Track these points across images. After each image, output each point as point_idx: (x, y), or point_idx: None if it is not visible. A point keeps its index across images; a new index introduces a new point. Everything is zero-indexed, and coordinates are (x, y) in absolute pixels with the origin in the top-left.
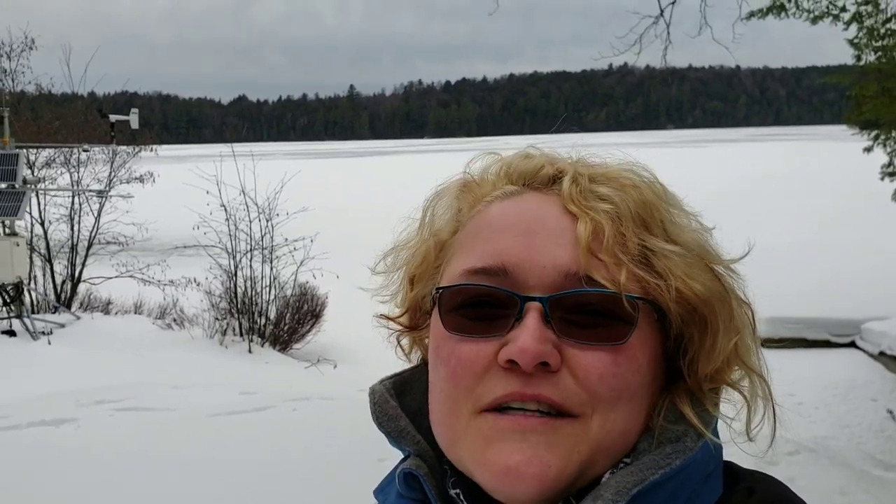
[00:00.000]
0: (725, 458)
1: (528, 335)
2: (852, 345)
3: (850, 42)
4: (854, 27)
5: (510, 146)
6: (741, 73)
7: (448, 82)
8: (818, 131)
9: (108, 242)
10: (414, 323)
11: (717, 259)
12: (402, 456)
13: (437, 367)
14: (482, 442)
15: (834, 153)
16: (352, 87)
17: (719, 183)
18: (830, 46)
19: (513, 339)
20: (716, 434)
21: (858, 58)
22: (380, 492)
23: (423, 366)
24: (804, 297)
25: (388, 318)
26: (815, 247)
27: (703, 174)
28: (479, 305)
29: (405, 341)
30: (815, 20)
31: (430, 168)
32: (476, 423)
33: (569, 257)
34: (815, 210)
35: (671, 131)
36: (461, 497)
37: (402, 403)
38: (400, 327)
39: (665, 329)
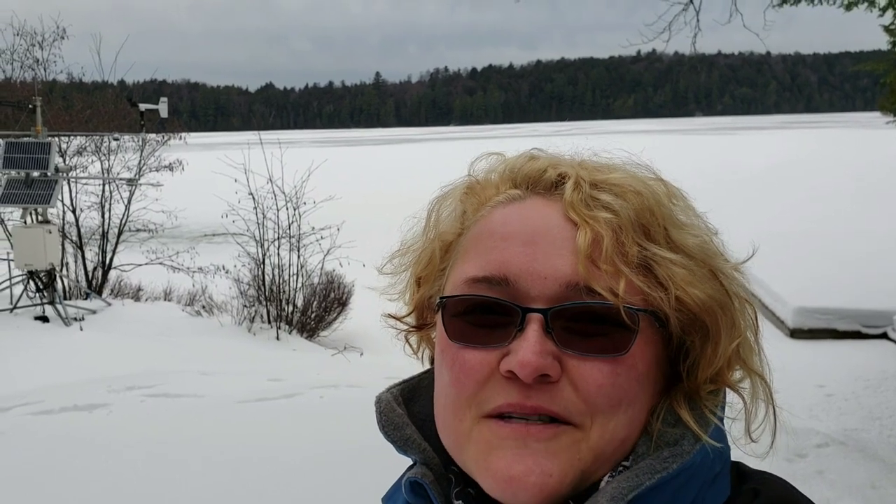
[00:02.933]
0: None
1: (529, 349)
2: (884, 336)
3: (886, 28)
4: (890, 13)
5: (537, 133)
6: (771, 59)
7: (474, 69)
8: (851, 118)
9: (138, 230)
10: (421, 322)
11: (721, 262)
12: (410, 463)
13: (442, 373)
14: (484, 449)
15: (867, 141)
16: (378, 74)
17: (748, 170)
18: (864, 31)
19: (514, 350)
20: (719, 436)
21: (894, 44)
22: (388, 499)
23: (431, 372)
24: (834, 287)
25: (395, 317)
26: (846, 236)
27: (732, 161)
28: (482, 313)
29: (413, 339)
30: (849, 7)
31: (456, 156)
32: (479, 429)
33: (569, 267)
34: (847, 198)
35: (699, 118)
36: None
37: (410, 410)
38: (407, 326)
39: (666, 336)
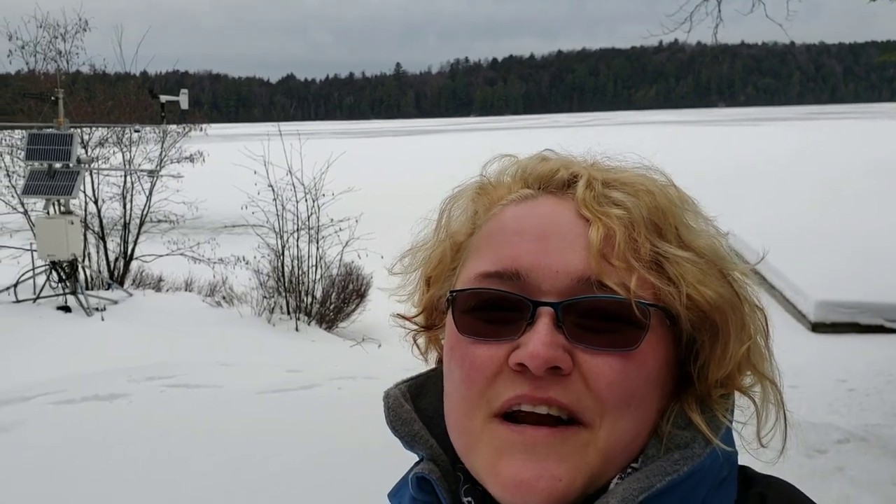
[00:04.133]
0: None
1: (539, 340)
2: None
3: None
4: None
5: (558, 124)
6: (795, 49)
7: (495, 59)
8: (876, 109)
9: (160, 221)
10: (430, 322)
11: (731, 265)
12: (416, 459)
13: (452, 370)
14: (494, 454)
15: (891, 132)
16: (398, 65)
17: (768, 161)
18: (891, 21)
19: (524, 343)
20: (728, 440)
21: None
22: (394, 495)
23: (439, 369)
24: (857, 280)
25: (404, 317)
26: (867, 228)
27: (752, 152)
28: (492, 308)
29: (421, 340)
30: None
31: (476, 147)
32: (489, 431)
33: (581, 262)
34: (869, 191)
35: (722, 109)
36: None
37: (418, 406)
38: (416, 327)
39: (677, 335)
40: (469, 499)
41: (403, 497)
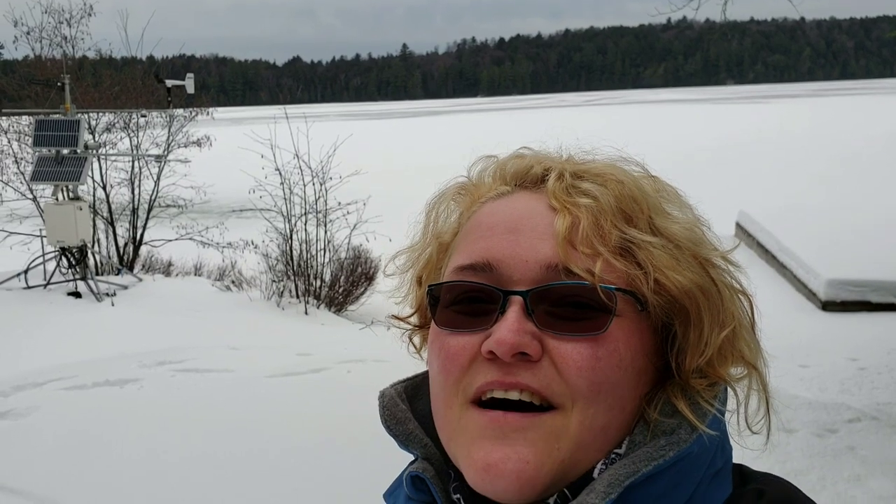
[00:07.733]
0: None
1: (507, 328)
2: None
3: None
4: None
5: (565, 103)
6: (805, 25)
7: (502, 39)
8: (888, 84)
9: (168, 205)
10: (424, 321)
11: (708, 251)
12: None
13: (432, 362)
14: (469, 440)
15: None
16: (405, 46)
17: (778, 139)
18: None
19: (494, 331)
20: (717, 426)
21: None
22: (389, 495)
23: None
24: (867, 258)
25: (398, 318)
26: (880, 206)
27: (761, 129)
28: (468, 301)
29: (416, 339)
30: None
31: (483, 128)
32: (465, 419)
33: (550, 251)
34: (880, 168)
35: (731, 87)
36: (462, 502)
37: (413, 407)
38: (411, 326)
39: (653, 324)
40: (458, 496)
41: (399, 497)
